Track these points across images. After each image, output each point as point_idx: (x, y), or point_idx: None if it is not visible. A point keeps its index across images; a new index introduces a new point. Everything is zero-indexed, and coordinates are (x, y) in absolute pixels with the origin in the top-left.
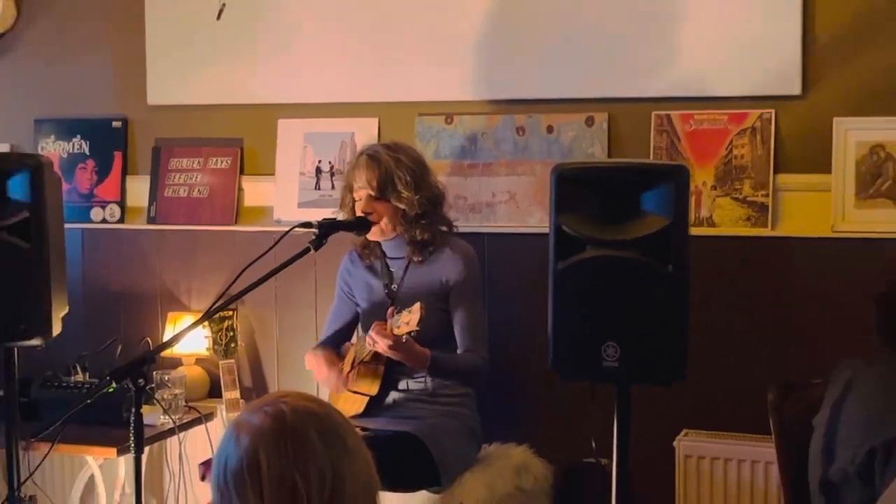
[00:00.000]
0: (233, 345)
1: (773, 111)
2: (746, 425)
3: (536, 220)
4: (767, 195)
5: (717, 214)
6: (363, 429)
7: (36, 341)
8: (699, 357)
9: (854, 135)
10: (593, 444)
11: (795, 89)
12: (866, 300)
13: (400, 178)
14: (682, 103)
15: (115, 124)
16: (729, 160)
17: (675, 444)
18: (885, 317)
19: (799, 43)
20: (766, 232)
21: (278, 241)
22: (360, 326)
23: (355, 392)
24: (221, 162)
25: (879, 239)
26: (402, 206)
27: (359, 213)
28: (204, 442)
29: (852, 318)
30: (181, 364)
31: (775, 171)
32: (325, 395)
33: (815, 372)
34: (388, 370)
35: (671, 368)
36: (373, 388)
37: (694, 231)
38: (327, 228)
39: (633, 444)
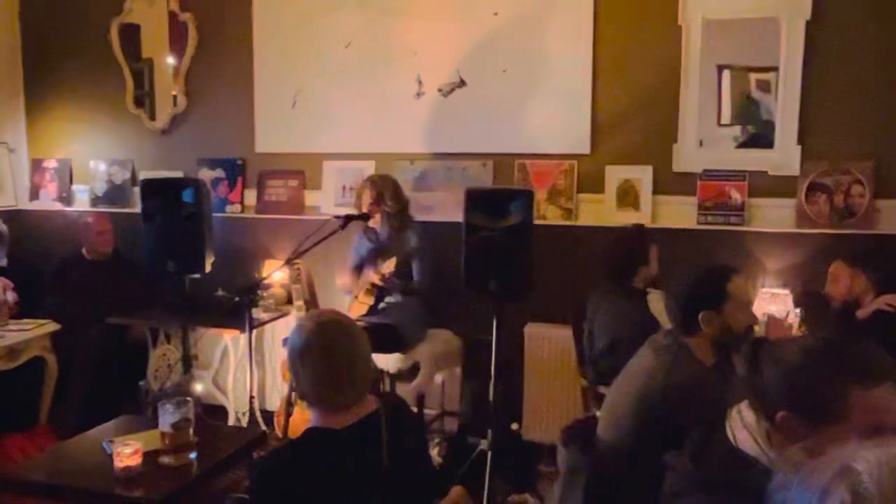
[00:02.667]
0: (299, 277)
1: (575, 161)
2: (561, 320)
3: (457, 216)
4: (573, 204)
5: (548, 213)
6: (367, 322)
7: (197, 274)
8: (539, 285)
9: (615, 174)
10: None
11: (587, 150)
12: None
13: (388, 193)
14: (531, 157)
15: (239, 162)
16: (554, 186)
17: (524, 329)
18: (608, 269)
19: (589, 125)
20: (572, 222)
21: (323, 225)
22: (364, 269)
23: (363, 302)
24: (293, 182)
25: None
26: (388, 209)
27: (364, 211)
28: (284, 326)
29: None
30: (272, 286)
31: (577, 192)
32: (346, 302)
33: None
34: (379, 291)
35: (523, 291)
36: (371, 300)
37: (537, 222)
38: (347, 219)
39: (504, 330)
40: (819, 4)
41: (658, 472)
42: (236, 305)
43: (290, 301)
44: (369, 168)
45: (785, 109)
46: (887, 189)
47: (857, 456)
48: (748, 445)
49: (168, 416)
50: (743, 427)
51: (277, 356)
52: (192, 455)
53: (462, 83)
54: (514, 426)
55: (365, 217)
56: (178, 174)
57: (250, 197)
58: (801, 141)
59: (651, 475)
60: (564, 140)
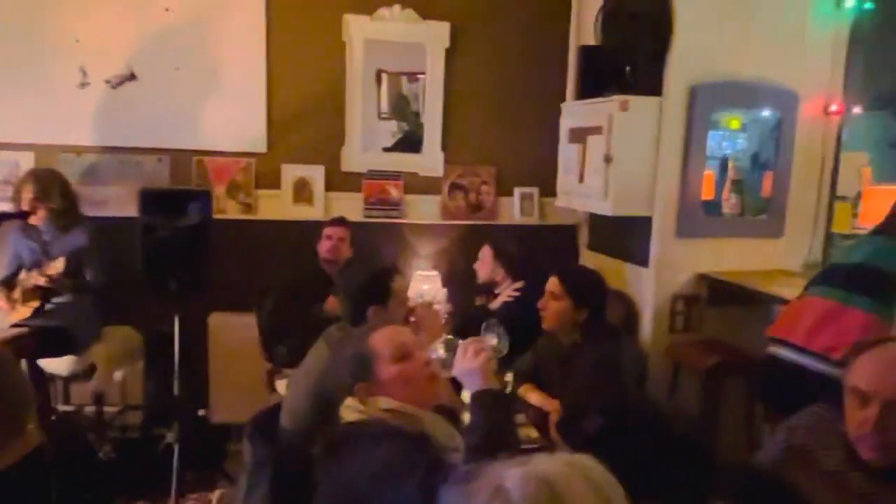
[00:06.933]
0: None
1: (253, 159)
2: (244, 307)
3: (134, 211)
4: (251, 199)
5: (228, 208)
6: (34, 325)
7: None
8: (222, 276)
9: (291, 172)
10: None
11: (263, 149)
12: (293, 253)
13: (54, 189)
14: (209, 154)
15: None
16: (233, 182)
17: (209, 319)
18: None
19: (265, 126)
20: (252, 216)
21: None
22: (25, 270)
23: (25, 305)
24: None
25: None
26: (53, 205)
27: (24, 209)
28: None
29: (288, 255)
30: None
31: (256, 188)
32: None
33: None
34: (45, 292)
35: (202, 286)
36: (36, 303)
37: (217, 216)
38: (2, 217)
39: (187, 322)
40: (455, 37)
41: None
42: None
43: None
44: (27, 160)
45: (430, 122)
46: (505, 189)
47: (506, 475)
48: (354, 416)
49: None
50: (347, 406)
51: None
52: None
53: (132, 77)
54: (202, 412)
55: (24, 215)
56: None
57: None
58: (444, 148)
59: None
60: (242, 139)
